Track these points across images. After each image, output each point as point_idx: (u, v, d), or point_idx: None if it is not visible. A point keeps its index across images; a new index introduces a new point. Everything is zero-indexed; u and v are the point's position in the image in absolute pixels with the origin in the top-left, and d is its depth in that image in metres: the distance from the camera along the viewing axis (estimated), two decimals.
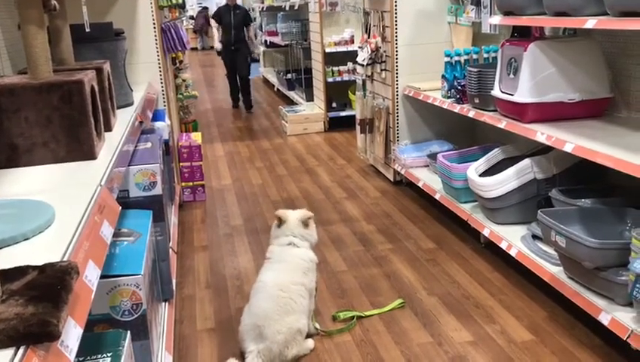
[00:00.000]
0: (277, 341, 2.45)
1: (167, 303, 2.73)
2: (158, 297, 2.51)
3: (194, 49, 19.36)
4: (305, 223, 2.76)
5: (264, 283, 2.60)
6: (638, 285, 2.14)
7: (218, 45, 8.93)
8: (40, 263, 1.14)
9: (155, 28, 4.15)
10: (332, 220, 4.20)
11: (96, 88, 2.19)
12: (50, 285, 1.04)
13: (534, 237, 3.11)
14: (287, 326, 2.47)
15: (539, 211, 2.71)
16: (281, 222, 2.76)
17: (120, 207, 1.78)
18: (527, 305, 2.92)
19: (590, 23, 2.53)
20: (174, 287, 2.91)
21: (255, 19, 12.95)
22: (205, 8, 21.65)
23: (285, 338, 2.46)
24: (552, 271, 2.79)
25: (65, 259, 1.23)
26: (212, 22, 9.07)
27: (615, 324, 2.34)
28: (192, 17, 20.74)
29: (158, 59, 4.20)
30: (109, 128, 2.39)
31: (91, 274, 1.28)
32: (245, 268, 3.52)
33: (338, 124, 7.06)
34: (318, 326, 2.76)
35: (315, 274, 2.73)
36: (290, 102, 8.52)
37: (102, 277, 1.80)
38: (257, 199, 4.76)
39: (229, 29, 8.51)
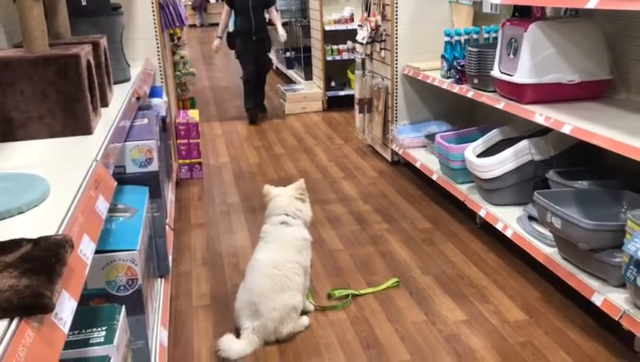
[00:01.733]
0: (272, 318, 2.47)
1: (163, 279, 2.74)
2: (154, 273, 2.52)
3: (192, 26, 19.18)
4: (300, 197, 2.76)
5: (259, 261, 2.61)
6: (631, 266, 2.15)
7: (218, 37, 6.64)
8: (35, 236, 1.14)
9: (152, 3, 4.10)
10: (329, 199, 4.20)
11: (93, 63, 2.18)
12: (44, 258, 1.04)
13: (530, 218, 3.12)
14: (282, 304, 2.49)
15: (535, 192, 2.72)
16: (267, 198, 2.77)
17: (116, 183, 1.77)
18: (522, 285, 2.93)
19: (592, 3, 2.51)
20: (170, 264, 2.92)
21: None
22: None
23: (280, 315, 2.48)
24: (546, 252, 2.80)
25: (60, 232, 1.23)
26: (224, 5, 6.54)
27: (608, 305, 2.36)
28: None
29: (156, 35, 4.16)
30: (105, 103, 2.37)
31: (86, 248, 1.28)
32: (242, 245, 3.53)
33: (337, 104, 7.03)
34: (313, 303, 2.78)
35: (310, 252, 2.74)
36: (289, 81, 8.46)
37: (98, 252, 1.81)
38: (255, 178, 4.76)
39: (247, 13, 6.29)
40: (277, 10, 6.82)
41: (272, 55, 9.35)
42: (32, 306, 0.93)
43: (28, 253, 1.06)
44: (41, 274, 0.98)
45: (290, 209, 2.73)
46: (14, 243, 1.10)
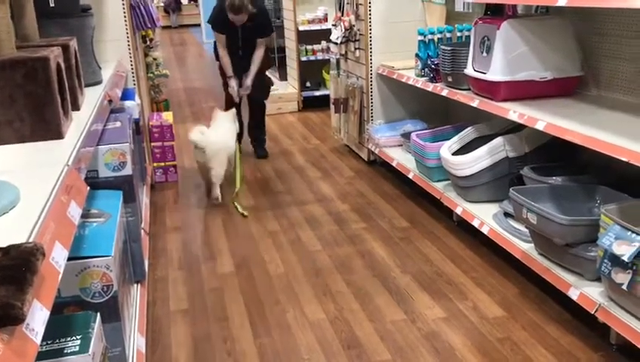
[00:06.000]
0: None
1: (139, 284, 2.70)
2: (129, 279, 2.48)
3: (166, 27, 18.99)
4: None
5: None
6: (605, 260, 2.18)
7: (230, 76, 5.12)
8: (4, 245, 1.10)
9: (123, 4, 4.04)
10: (306, 200, 4.19)
11: (63, 66, 2.13)
12: (14, 267, 1.01)
13: (506, 214, 3.15)
14: None
15: (510, 189, 2.74)
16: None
17: (88, 188, 1.73)
18: (499, 281, 2.96)
19: (562, 1, 2.54)
20: (146, 269, 2.87)
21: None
22: None
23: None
24: (523, 248, 2.83)
25: (30, 240, 1.19)
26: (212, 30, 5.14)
27: (583, 299, 2.39)
28: None
29: (128, 37, 4.10)
30: (76, 107, 2.32)
31: (58, 256, 1.25)
32: (219, 248, 3.49)
33: (312, 104, 7.02)
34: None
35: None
36: (272, 83, 8.40)
37: (71, 258, 1.77)
38: (231, 181, 4.71)
39: (235, 47, 5.06)
40: (268, 36, 5.24)
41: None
42: (2, 317, 0.90)
43: None
44: (10, 284, 0.95)
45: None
46: None
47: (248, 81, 5.08)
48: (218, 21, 4.98)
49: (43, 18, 2.53)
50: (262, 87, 5.31)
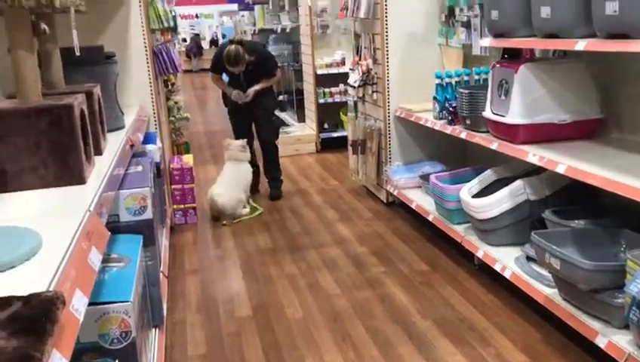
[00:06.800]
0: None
1: (157, 329, 2.68)
2: (148, 323, 2.47)
3: (187, 71, 19.41)
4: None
5: None
6: (634, 308, 2.12)
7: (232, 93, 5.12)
8: (25, 293, 1.11)
9: (146, 51, 4.15)
10: (325, 242, 4.17)
11: (86, 112, 2.18)
12: (34, 317, 1.01)
13: (528, 258, 3.10)
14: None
15: (532, 233, 2.70)
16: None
17: (109, 233, 1.75)
18: (522, 327, 2.89)
19: (580, 44, 2.55)
20: (165, 312, 2.86)
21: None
22: (197, 35, 21.86)
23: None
24: (546, 292, 2.77)
25: (51, 288, 1.20)
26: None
27: (611, 347, 2.32)
28: (184, 40, 20.85)
29: (150, 82, 4.19)
30: (99, 152, 2.36)
31: (78, 304, 1.25)
32: (237, 291, 3.47)
33: (330, 145, 7.06)
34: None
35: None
36: (282, 124, 8.51)
37: (90, 304, 1.76)
38: (249, 222, 4.73)
39: (239, 87, 5.11)
40: (273, 75, 5.22)
41: None
42: None
43: (17, 312, 1.02)
44: (30, 335, 0.95)
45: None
46: (4, 302, 1.06)
47: (251, 90, 5.03)
48: (218, 68, 5.11)
49: (69, 66, 2.60)
50: (272, 128, 5.33)
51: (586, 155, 2.77)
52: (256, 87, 5.07)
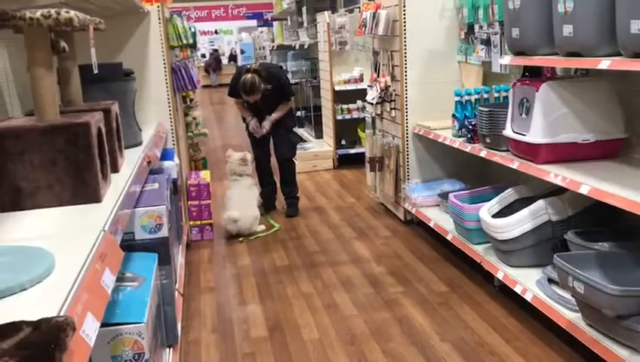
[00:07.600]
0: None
1: (171, 349, 2.65)
2: (162, 343, 2.44)
3: (206, 86, 19.58)
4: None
5: None
6: None
7: (250, 120, 5.18)
8: (36, 317, 1.08)
9: (165, 68, 4.17)
10: (341, 261, 4.12)
11: (104, 129, 2.17)
12: (43, 344, 0.98)
13: (550, 281, 3.02)
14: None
15: (555, 255, 2.63)
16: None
17: (123, 253, 1.72)
18: (544, 351, 2.81)
19: (604, 63, 2.50)
20: (179, 332, 2.83)
21: (265, 57, 13.04)
22: (216, 50, 22.10)
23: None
24: (569, 317, 2.69)
25: (62, 312, 1.17)
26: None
27: None
28: (203, 55, 21.08)
29: (168, 99, 4.20)
30: (115, 169, 2.36)
31: (89, 328, 1.22)
32: (253, 311, 3.43)
33: (347, 162, 7.03)
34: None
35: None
36: (300, 140, 8.51)
37: (103, 325, 1.74)
38: (265, 239, 4.70)
39: (257, 112, 5.19)
40: (289, 100, 5.21)
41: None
42: None
43: (26, 339, 1.00)
44: None
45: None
46: (13, 327, 1.04)
47: (266, 123, 5.08)
48: (235, 93, 5.08)
49: (87, 83, 2.61)
50: (289, 144, 5.32)
51: (609, 176, 2.70)
52: (273, 118, 5.10)
